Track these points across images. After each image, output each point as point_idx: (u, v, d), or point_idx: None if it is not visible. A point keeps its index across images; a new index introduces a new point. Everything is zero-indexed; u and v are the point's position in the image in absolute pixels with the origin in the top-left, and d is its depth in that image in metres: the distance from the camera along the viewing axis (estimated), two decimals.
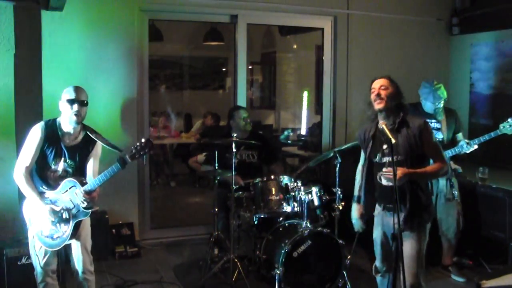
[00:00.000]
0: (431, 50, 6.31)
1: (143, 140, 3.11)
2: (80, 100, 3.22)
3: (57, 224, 3.23)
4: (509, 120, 4.20)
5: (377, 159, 3.22)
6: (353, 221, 3.48)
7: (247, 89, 5.85)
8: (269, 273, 4.18)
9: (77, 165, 3.30)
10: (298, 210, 4.35)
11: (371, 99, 3.22)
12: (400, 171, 2.97)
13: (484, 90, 5.88)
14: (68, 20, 4.82)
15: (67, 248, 3.36)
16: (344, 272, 4.12)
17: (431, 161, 3.23)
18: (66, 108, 3.22)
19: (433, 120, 4.45)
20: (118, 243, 5.04)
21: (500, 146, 5.34)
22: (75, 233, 3.23)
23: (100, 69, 5.02)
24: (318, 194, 4.49)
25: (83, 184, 3.16)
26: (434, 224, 4.55)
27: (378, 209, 3.33)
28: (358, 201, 3.44)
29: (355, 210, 3.45)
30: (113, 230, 5.08)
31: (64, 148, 3.26)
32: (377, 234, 3.35)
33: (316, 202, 4.48)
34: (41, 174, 3.29)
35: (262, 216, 4.37)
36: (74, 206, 3.18)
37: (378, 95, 3.16)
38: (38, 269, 3.32)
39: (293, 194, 4.36)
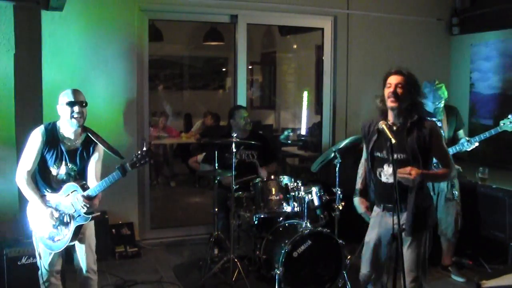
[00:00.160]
0: (431, 50, 6.30)
1: (144, 148, 3.10)
2: (80, 102, 3.22)
3: (58, 227, 3.23)
4: (509, 116, 4.19)
5: (380, 154, 3.13)
6: (361, 214, 3.37)
7: (247, 89, 5.85)
8: (269, 273, 4.19)
9: (79, 168, 3.30)
10: (298, 210, 4.35)
11: (385, 94, 3.09)
12: (414, 171, 2.91)
13: (484, 90, 5.88)
14: (68, 20, 4.82)
15: (71, 247, 3.36)
16: (344, 272, 4.12)
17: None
18: (66, 111, 3.20)
19: (434, 119, 4.45)
20: (118, 243, 5.04)
21: (500, 146, 5.34)
22: (76, 236, 3.24)
23: (100, 69, 5.02)
24: (318, 194, 4.50)
25: (84, 188, 3.15)
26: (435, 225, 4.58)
27: (376, 210, 3.26)
28: (360, 195, 3.36)
29: (359, 203, 3.36)
30: (113, 230, 5.08)
31: (64, 152, 3.26)
32: (371, 237, 3.24)
33: (316, 202, 4.48)
34: (44, 177, 3.30)
35: (262, 216, 4.37)
36: (75, 210, 3.18)
37: (394, 93, 3.03)
38: (42, 269, 3.33)
39: (293, 194, 4.36)
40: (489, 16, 5.80)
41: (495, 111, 5.71)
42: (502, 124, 4.20)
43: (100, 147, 3.34)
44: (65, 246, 3.23)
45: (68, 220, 3.21)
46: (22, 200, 4.61)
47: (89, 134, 3.30)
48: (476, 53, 6.00)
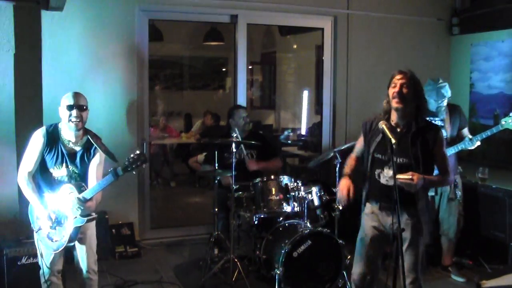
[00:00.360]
0: (431, 50, 6.30)
1: (137, 152, 3.07)
2: (79, 105, 3.19)
3: (56, 228, 3.24)
4: (511, 114, 4.18)
5: (381, 156, 3.09)
6: (338, 194, 3.31)
7: (247, 89, 5.85)
8: (269, 273, 4.19)
9: (80, 171, 3.29)
10: (298, 210, 4.35)
11: (390, 94, 3.06)
12: (416, 177, 2.88)
13: (484, 90, 5.88)
14: (68, 20, 4.82)
15: (71, 247, 3.36)
16: (344, 272, 4.12)
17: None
18: (65, 114, 3.20)
19: (436, 118, 4.46)
20: (118, 243, 5.04)
21: (500, 146, 5.35)
22: (74, 238, 3.23)
23: (100, 69, 5.02)
24: (318, 194, 4.50)
25: (81, 190, 3.15)
26: (436, 224, 4.58)
27: (369, 207, 3.21)
28: (348, 177, 3.30)
29: (344, 186, 3.23)
30: (113, 230, 5.08)
31: (65, 154, 3.26)
32: (366, 234, 3.20)
33: (316, 202, 4.48)
34: (45, 178, 3.30)
35: (262, 216, 4.37)
36: (72, 212, 3.18)
37: (400, 93, 3.00)
38: (44, 269, 3.33)
39: (293, 194, 4.35)
40: (489, 16, 5.80)
41: (495, 111, 5.71)
42: (503, 122, 4.18)
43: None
44: (63, 247, 3.22)
45: (65, 222, 3.21)
46: (22, 200, 4.63)
47: (89, 137, 3.29)
48: (476, 53, 6.00)
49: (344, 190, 3.21)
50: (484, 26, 5.86)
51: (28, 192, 3.27)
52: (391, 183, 2.97)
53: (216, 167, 4.50)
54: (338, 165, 4.25)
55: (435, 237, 4.66)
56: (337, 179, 4.29)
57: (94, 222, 3.43)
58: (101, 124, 4.81)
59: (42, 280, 3.37)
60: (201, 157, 5.13)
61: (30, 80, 4.79)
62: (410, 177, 2.89)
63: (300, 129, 9.10)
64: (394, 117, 3.10)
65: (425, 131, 3.06)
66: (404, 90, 3.01)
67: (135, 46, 5.16)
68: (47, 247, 3.29)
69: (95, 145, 3.27)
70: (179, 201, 7.86)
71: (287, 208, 4.32)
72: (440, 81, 4.43)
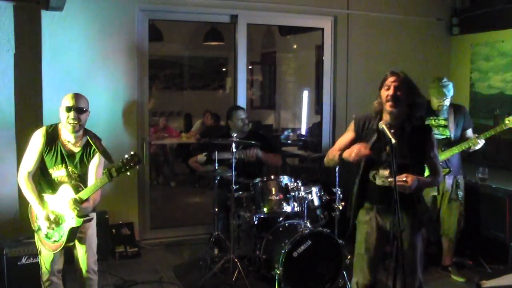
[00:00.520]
0: (431, 50, 6.30)
1: (131, 153, 3.04)
2: (77, 108, 3.17)
3: (55, 228, 3.24)
4: None
5: (376, 157, 3.04)
6: (358, 152, 2.98)
7: (247, 89, 5.85)
8: (269, 273, 4.19)
9: (80, 171, 3.29)
10: (298, 210, 4.35)
11: (383, 96, 3.01)
12: (410, 178, 2.86)
13: (484, 90, 5.88)
14: (68, 20, 4.82)
15: (71, 247, 3.36)
16: (344, 272, 4.12)
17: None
18: (64, 115, 3.20)
19: (440, 117, 4.46)
20: (118, 243, 5.04)
21: (500, 146, 5.35)
22: (73, 239, 3.22)
23: (100, 69, 5.01)
24: (318, 194, 4.49)
25: (78, 191, 3.14)
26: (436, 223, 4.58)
27: (364, 214, 3.15)
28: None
29: (359, 146, 3.00)
30: (113, 230, 5.08)
31: (64, 154, 3.26)
32: (370, 244, 3.13)
33: (316, 202, 4.48)
34: (45, 179, 3.31)
35: (262, 216, 4.37)
36: (69, 212, 3.18)
37: (394, 97, 2.96)
38: (43, 268, 3.34)
39: (293, 194, 4.35)
40: (489, 16, 5.80)
41: (495, 111, 5.71)
42: (507, 121, 4.17)
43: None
44: (62, 247, 3.22)
45: (63, 222, 3.21)
46: (22, 200, 4.63)
47: (89, 138, 3.29)
48: (476, 53, 6.00)
49: (360, 146, 3.00)
50: (484, 26, 5.86)
51: (28, 192, 3.27)
52: (387, 183, 2.97)
53: (216, 167, 4.50)
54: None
55: (438, 236, 4.67)
56: (337, 179, 4.31)
57: (94, 222, 3.43)
58: (101, 124, 4.81)
59: (42, 279, 3.36)
60: (201, 157, 5.12)
61: (30, 80, 4.80)
62: (404, 179, 2.87)
63: (300, 129, 9.10)
64: (386, 117, 3.05)
65: (417, 131, 3.05)
66: (398, 93, 2.96)
67: (135, 46, 5.16)
68: (47, 247, 3.29)
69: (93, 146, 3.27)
70: (179, 201, 7.86)
71: (287, 208, 4.32)
72: (444, 80, 4.43)
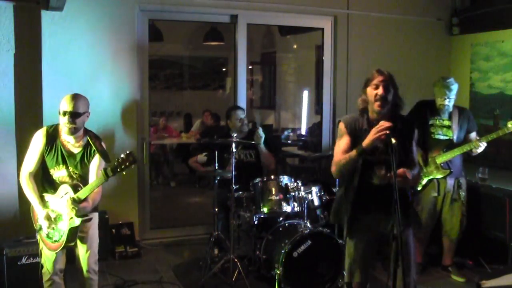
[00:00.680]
0: (431, 50, 6.30)
1: (127, 152, 3.03)
2: (72, 112, 3.14)
3: (55, 228, 3.25)
4: None
5: (371, 157, 3.01)
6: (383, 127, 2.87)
7: (247, 89, 5.85)
8: (269, 273, 4.19)
9: (80, 172, 3.29)
10: (298, 210, 4.35)
11: (369, 95, 3.00)
12: (408, 174, 2.86)
13: (484, 90, 5.88)
14: (68, 20, 4.82)
15: (73, 246, 3.36)
16: (344, 272, 4.11)
17: None
18: (60, 118, 3.19)
19: (444, 118, 4.46)
20: (118, 243, 5.04)
21: (500, 146, 5.35)
22: (73, 238, 3.22)
23: (100, 69, 5.01)
24: (318, 194, 4.49)
25: (77, 191, 3.14)
26: (436, 224, 4.58)
27: (361, 217, 3.10)
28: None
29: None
30: (113, 230, 5.08)
31: (64, 155, 3.26)
32: (365, 243, 3.13)
33: (316, 202, 4.48)
34: (47, 179, 3.32)
35: (262, 216, 4.37)
36: (68, 212, 3.18)
37: (383, 97, 2.95)
38: (45, 268, 3.34)
39: (293, 194, 4.35)
40: (489, 16, 5.79)
41: (495, 111, 5.71)
42: (510, 125, 4.15)
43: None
44: (62, 247, 3.22)
45: (62, 222, 3.21)
46: (22, 200, 4.63)
47: (88, 138, 3.29)
48: (476, 53, 6.00)
49: (380, 124, 2.90)
50: (484, 26, 5.86)
51: (29, 192, 3.28)
52: (386, 181, 2.97)
53: (216, 167, 4.50)
54: None
55: (435, 237, 4.68)
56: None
57: (96, 222, 3.44)
58: (101, 124, 4.82)
59: (44, 279, 3.37)
60: (201, 157, 5.12)
61: (30, 80, 4.79)
62: (402, 173, 2.87)
63: (300, 129, 9.10)
64: (373, 116, 3.04)
65: (404, 125, 3.04)
66: (387, 92, 2.97)
67: (135, 46, 5.16)
68: (47, 247, 3.30)
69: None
70: (179, 201, 7.86)
71: (287, 208, 4.32)
72: (448, 80, 4.43)
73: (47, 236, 3.27)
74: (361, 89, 3.10)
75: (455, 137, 4.42)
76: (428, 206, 4.50)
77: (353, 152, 2.97)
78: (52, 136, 3.27)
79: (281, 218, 4.44)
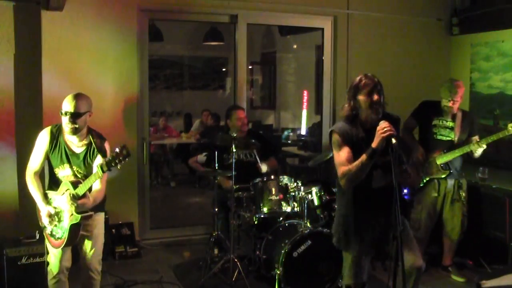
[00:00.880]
0: (431, 50, 6.30)
1: (121, 145, 3.02)
2: (72, 113, 3.15)
3: (57, 225, 3.26)
4: None
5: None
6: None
7: (247, 89, 5.85)
8: (269, 273, 4.19)
9: (85, 171, 3.29)
10: (298, 210, 4.35)
11: (362, 102, 2.99)
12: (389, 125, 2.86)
13: (484, 90, 5.88)
14: (68, 20, 4.82)
15: (77, 245, 3.38)
16: (343, 273, 4.10)
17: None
18: (62, 118, 3.20)
19: (448, 119, 4.46)
20: (118, 243, 5.04)
21: (500, 146, 5.34)
22: (74, 236, 3.23)
23: (100, 69, 5.01)
24: (318, 194, 4.49)
25: (76, 187, 3.14)
26: (437, 224, 4.58)
27: (360, 225, 3.10)
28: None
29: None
30: (113, 230, 5.08)
31: (68, 154, 3.27)
32: (368, 246, 3.13)
33: (316, 202, 4.48)
34: (53, 178, 3.34)
35: (262, 216, 4.37)
36: (68, 209, 3.18)
37: (380, 104, 2.97)
38: (50, 265, 3.35)
39: (293, 194, 4.35)
40: (489, 16, 5.80)
41: (495, 111, 5.71)
42: (510, 128, 4.13)
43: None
44: (64, 244, 3.22)
45: (64, 219, 3.22)
46: (22, 200, 4.64)
47: (91, 137, 3.29)
48: (476, 53, 6.00)
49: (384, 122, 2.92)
50: (484, 26, 5.86)
51: (33, 190, 3.31)
52: (381, 185, 2.98)
53: (216, 167, 4.50)
54: None
55: (435, 238, 4.67)
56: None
57: (102, 222, 3.46)
58: (101, 124, 4.80)
59: (49, 276, 3.38)
60: (201, 157, 5.12)
61: (30, 80, 4.79)
62: (384, 127, 2.86)
63: (300, 129, 9.10)
64: (367, 121, 3.04)
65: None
66: (382, 98, 2.98)
67: (135, 46, 5.16)
68: (51, 245, 3.32)
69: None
70: (179, 201, 7.86)
71: (287, 208, 4.32)
72: (456, 82, 4.44)
73: (51, 233, 3.29)
74: (348, 95, 3.08)
75: (456, 139, 4.43)
76: (428, 206, 4.50)
77: (364, 157, 2.92)
78: (56, 135, 3.28)
79: (281, 218, 4.44)
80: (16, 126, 4.76)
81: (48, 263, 3.40)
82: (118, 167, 3.02)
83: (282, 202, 4.32)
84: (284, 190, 4.37)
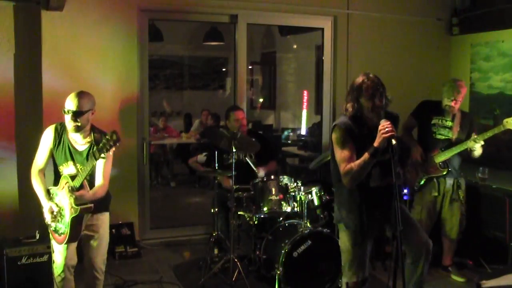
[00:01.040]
0: (431, 50, 6.30)
1: (111, 131, 3.01)
2: (74, 111, 3.16)
3: (59, 221, 3.27)
4: None
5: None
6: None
7: (247, 89, 5.84)
8: (269, 273, 4.19)
9: (90, 168, 3.29)
10: (298, 210, 4.35)
11: (365, 104, 3.04)
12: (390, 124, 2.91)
13: (484, 90, 5.88)
14: (68, 20, 4.82)
15: (82, 245, 3.38)
16: (343, 272, 4.11)
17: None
18: (64, 116, 3.21)
19: (447, 119, 4.46)
20: (118, 243, 5.04)
21: (500, 146, 5.35)
22: (76, 231, 3.23)
23: (100, 69, 5.01)
24: (318, 194, 4.49)
25: (74, 179, 3.15)
26: (436, 224, 4.58)
27: (360, 224, 3.12)
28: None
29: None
30: (113, 230, 5.07)
31: (72, 152, 3.28)
32: (368, 242, 3.19)
33: (316, 202, 4.48)
34: (58, 175, 3.34)
35: (262, 216, 4.37)
36: (67, 202, 3.19)
37: (382, 108, 3.02)
38: (57, 263, 3.35)
39: (293, 194, 4.35)
40: (489, 16, 5.79)
41: (495, 111, 5.71)
42: (505, 123, 4.15)
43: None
44: (67, 239, 3.22)
45: (64, 214, 3.23)
46: (22, 200, 4.64)
47: (93, 134, 3.29)
48: (476, 53, 6.00)
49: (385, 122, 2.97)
50: (484, 26, 5.86)
51: (37, 186, 3.34)
52: (380, 184, 2.98)
53: (216, 168, 4.50)
54: None
55: (435, 237, 4.67)
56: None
57: (107, 222, 3.49)
58: (101, 124, 4.79)
59: (55, 274, 3.38)
60: (201, 157, 5.12)
61: (30, 80, 4.79)
62: (386, 127, 2.90)
63: (300, 129, 9.10)
64: (370, 119, 3.08)
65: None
66: (384, 101, 3.03)
67: (135, 46, 5.16)
68: (55, 241, 3.32)
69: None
70: (179, 201, 7.86)
71: (287, 208, 4.32)
72: (459, 82, 4.44)
73: (55, 229, 3.30)
74: (351, 97, 3.12)
75: (454, 138, 4.44)
76: (428, 205, 4.51)
77: (366, 155, 2.95)
78: (61, 133, 3.31)
79: (281, 218, 4.44)
80: (16, 126, 4.76)
81: (54, 261, 3.40)
82: (110, 152, 3.03)
83: (282, 202, 4.32)
84: (284, 190, 4.37)
